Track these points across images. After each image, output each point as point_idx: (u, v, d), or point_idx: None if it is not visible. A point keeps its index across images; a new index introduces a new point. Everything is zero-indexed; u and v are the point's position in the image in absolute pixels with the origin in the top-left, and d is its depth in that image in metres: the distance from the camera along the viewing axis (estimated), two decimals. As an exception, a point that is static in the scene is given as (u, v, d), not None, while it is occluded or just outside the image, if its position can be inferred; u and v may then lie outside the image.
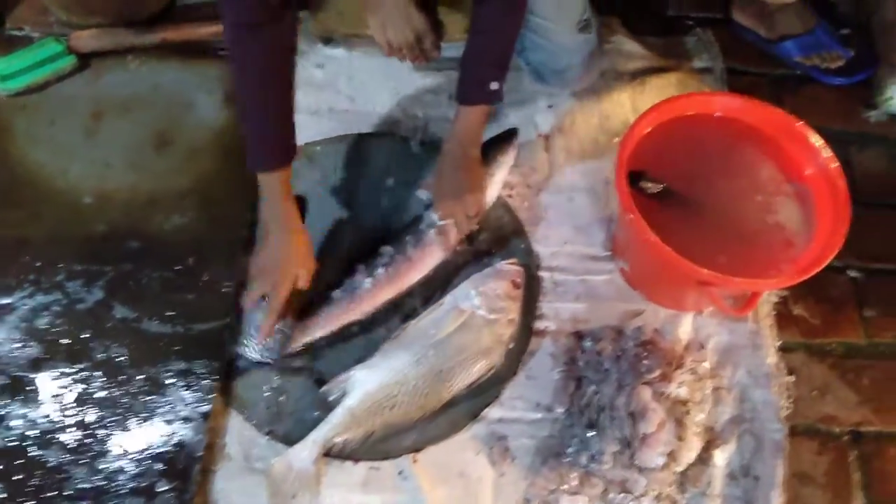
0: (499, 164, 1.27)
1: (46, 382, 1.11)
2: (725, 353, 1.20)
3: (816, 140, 1.11)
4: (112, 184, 1.28)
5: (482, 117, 1.19)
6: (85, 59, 1.38)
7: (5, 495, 1.03)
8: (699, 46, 1.53)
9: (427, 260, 1.21)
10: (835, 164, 1.08)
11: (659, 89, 1.45)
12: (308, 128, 1.35)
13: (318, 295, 1.17)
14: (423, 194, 1.28)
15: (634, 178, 1.10)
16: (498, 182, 1.27)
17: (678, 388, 1.12)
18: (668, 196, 1.11)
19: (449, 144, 1.21)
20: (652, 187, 1.11)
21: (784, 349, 1.22)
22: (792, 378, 1.19)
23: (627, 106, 1.43)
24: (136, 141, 1.32)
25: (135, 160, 1.30)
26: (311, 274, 1.13)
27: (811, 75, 1.50)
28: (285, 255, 1.10)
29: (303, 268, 1.11)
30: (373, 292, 1.17)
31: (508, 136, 1.31)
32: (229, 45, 1.05)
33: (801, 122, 1.12)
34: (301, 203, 1.19)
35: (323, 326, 1.16)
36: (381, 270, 1.18)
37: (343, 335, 1.18)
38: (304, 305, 1.16)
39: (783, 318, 1.25)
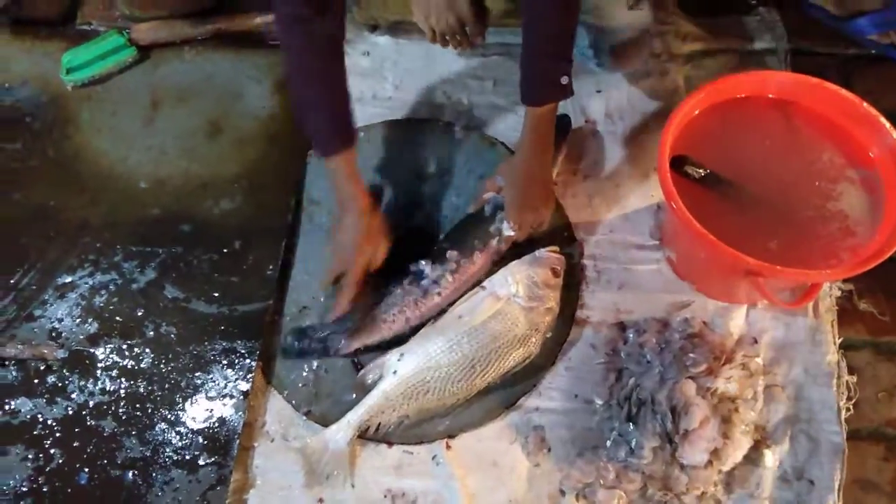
0: (554, 162, 1.23)
1: (102, 357, 1.17)
2: (781, 349, 1.13)
3: (883, 121, 1.02)
4: (166, 170, 1.33)
5: (552, 116, 1.12)
6: (145, 51, 1.45)
7: (62, 460, 1.09)
8: (761, 27, 1.44)
9: (487, 265, 1.19)
10: (905, 148, 1.00)
11: (716, 73, 1.38)
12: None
13: (376, 294, 1.17)
14: (489, 194, 1.21)
15: (679, 163, 1.05)
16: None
17: (726, 383, 1.06)
18: (717, 182, 1.06)
19: (523, 151, 1.15)
20: (697, 172, 1.06)
21: (847, 347, 1.14)
22: (854, 378, 1.11)
23: (682, 90, 1.37)
24: (189, 129, 1.37)
25: (188, 147, 1.35)
26: (385, 252, 1.15)
27: (887, 54, 1.39)
28: (358, 235, 1.12)
29: (376, 246, 1.14)
30: (438, 299, 1.16)
31: (562, 128, 1.25)
32: (281, 37, 1.08)
33: (866, 104, 1.04)
34: (377, 190, 1.21)
35: (388, 329, 1.15)
36: (448, 277, 1.16)
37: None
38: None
39: (847, 313, 1.17)
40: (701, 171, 1.05)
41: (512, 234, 1.17)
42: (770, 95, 1.09)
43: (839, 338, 1.14)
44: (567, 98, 1.09)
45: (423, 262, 1.17)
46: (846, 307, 1.17)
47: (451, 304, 1.16)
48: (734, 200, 1.05)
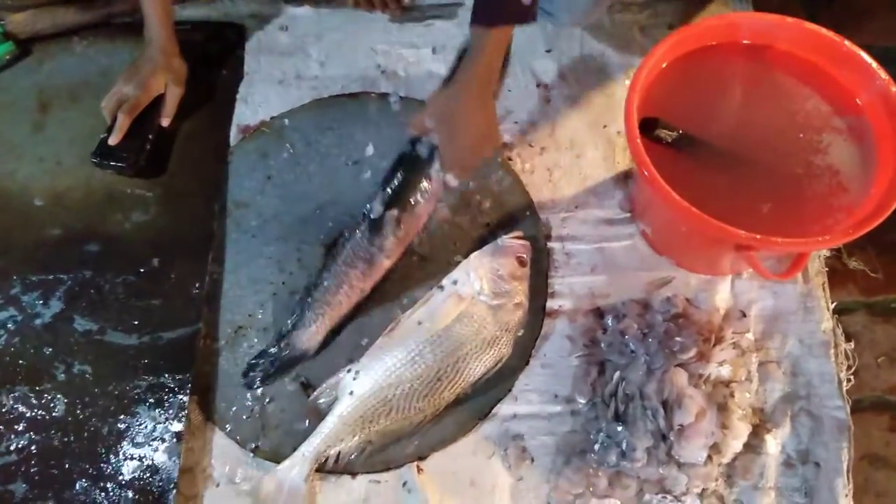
0: (495, 96, 1.03)
1: (5, 409, 1.00)
2: (772, 321, 1.04)
3: (870, 62, 0.92)
4: (64, 182, 1.15)
5: (503, 43, 0.94)
6: (26, 45, 1.24)
7: (-32, 539, 0.93)
8: (719, -34, 1.32)
9: (431, 211, 1.06)
10: (895, 88, 0.89)
11: (676, 20, 1.26)
12: (273, 100, 1.20)
13: (313, 284, 1.04)
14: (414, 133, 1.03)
15: (648, 126, 0.93)
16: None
17: (719, 367, 0.96)
18: (691, 144, 0.94)
19: (461, 82, 0.95)
20: (669, 135, 0.93)
21: (841, 311, 1.05)
22: (851, 345, 1.03)
23: (639, 41, 1.24)
24: (87, 132, 1.17)
25: (88, 154, 1.16)
26: (180, 77, 1.15)
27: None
28: (153, 65, 1.12)
29: (166, 71, 1.13)
30: (387, 263, 1.04)
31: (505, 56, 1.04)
32: None
33: (848, 42, 0.93)
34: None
35: (348, 305, 1.04)
36: (391, 238, 1.02)
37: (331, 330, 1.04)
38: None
39: (837, 274, 1.08)
40: (673, 133, 0.92)
41: (455, 184, 1.02)
42: (744, 41, 0.97)
43: (832, 302, 1.05)
44: (528, 23, 0.90)
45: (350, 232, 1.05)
46: (836, 267, 1.09)
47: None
48: (712, 163, 0.93)
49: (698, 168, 0.92)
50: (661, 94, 0.94)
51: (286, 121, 1.17)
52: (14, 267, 1.09)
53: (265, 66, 1.23)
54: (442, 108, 0.98)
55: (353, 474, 0.97)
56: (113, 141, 1.11)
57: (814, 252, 1.06)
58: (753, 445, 0.96)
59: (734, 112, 0.95)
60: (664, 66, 0.95)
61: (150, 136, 1.14)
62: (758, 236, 0.81)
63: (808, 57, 0.96)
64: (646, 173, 0.85)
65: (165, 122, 1.15)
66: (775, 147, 0.93)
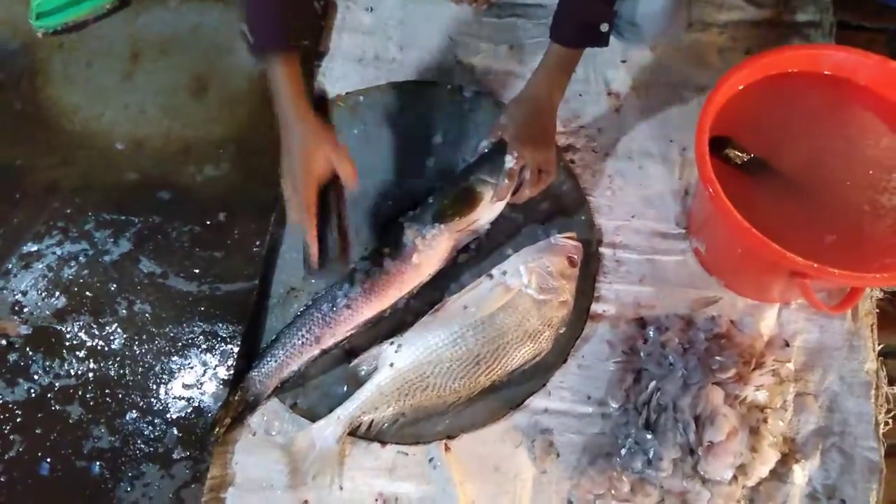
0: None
1: (69, 335, 1.06)
2: (814, 354, 1.03)
3: (952, 106, 0.91)
4: (145, 130, 1.21)
5: (576, 60, 1.03)
6: (125, -2, 1.31)
7: (23, 448, 1.00)
8: (806, -4, 1.31)
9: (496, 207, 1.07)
10: (974, 137, 0.89)
11: (752, 44, 1.26)
12: (351, 76, 1.24)
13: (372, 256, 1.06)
14: (489, 139, 1.08)
15: (719, 144, 0.93)
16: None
17: (756, 391, 0.96)
18: (759, 168, 0.94)
19: (534, 86, 1.05)
20: (739, 156, 0.94)
21: (886, 354, 1.04)
22: (894, 389, 1.02)
23: (715, 62, 1.25)
24: (172, 86, 1.24)
25: (170, 106, 1.23)
26: (345, 160, 0.97)
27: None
28: (301, 149, 0.96)
29: (324, 160, 0.97)
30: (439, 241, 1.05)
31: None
32: None
33: (934, 85, 0.93)
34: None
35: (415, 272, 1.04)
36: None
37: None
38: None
39: (888, 317, 1.07)
40: (743, 155, 0.93)
41: (512, 164, 1.03)
42: (825, 72, 0.97)
43: (879, 344, 1.04)
44: (600, 46, 1.00)
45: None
46: (887, 310, 1.07)
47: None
48: (778, 189, 0.93)
49: (763, 192, 0.92)
50: (734, 114, 0.94)
51: (361, 98, 1.21)
52: (90, 204, 1.15)
53: (347, 44, 1.27)
54: (514, 107, 1.06)
55: (383, 443, 1.00)
56: (315, 265, 1.02)
57: (867, 291, 1.05)
58: (780, 473, 0.96)
59: (806, 141, 0.95)
60: (741, 87, 0.96)
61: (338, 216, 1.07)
62: (815, 265, 0.81)
63: (887, 95, 0.95)
64: (710, 189, 0.86)
65: (352, 187, 1.00)
66: (844, 181, 0.92)
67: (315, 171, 0.96)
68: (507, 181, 1.03)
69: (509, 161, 1.03)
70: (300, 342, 1.01)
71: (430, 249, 1.03)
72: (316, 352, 1.02)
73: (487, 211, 1.06)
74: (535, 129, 1.05)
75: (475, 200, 1.05)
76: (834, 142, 0.95)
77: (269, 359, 1.01)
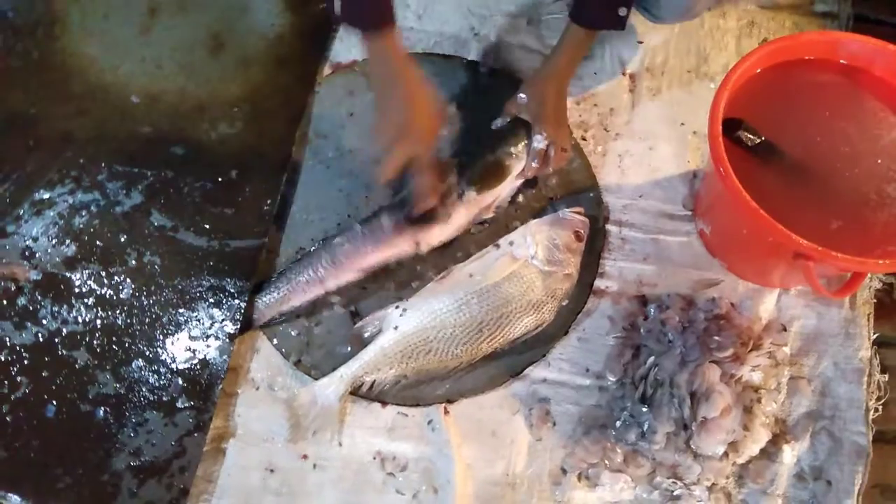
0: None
1: (78, 282, 1.07)
2: (811, 340, 1.06)
3: (965, 101, 0.92)
4: (161, 85, 1.21)
5: (592, 42, 1.09)
6: (145, -50, 1.30)
7: (29, 389, 1.01)
8: (824, -14, 1.32)
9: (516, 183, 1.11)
10: (984, 133, 0.90)
11: (770, 32, 1.26)
12: (369, 43, 1.24)
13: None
14: (506, 117, 1.12)
15: (731, 126, 0.94)
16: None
17: (751, 371, 0.98)
18: (770, 152, 0.95)
19: (553, 66, 1.08)
20: (751, 139, 0.95)
21: (881, 343, 1.06)
22: (886, 377, 1.04)
23: (731, 48, 1.26)
24: (189, 42, 1.24)
25: (186, 63, 1.23)
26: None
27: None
28: (417, 111, 0.95)
29: (437, 124, 0.99)
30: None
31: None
32: None
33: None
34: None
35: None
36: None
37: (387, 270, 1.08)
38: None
39: (885, 307, 1.09)
40: (755, 138, 0.94)
41: (543, 145, 1.07)
42: (841, 61, 0.97)
43: (874, 333, 1.06)
44: (617, 30, 1.03)
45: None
46: (884, 301, 1.09)
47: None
48: (786, 174, 0.95)
49: (772, 176, 0.94)
50: (748, 98, 0.95)
51: (377, 64, 1.21)
52: (104, 155, 1.16)
53: (365, 9, 1.27)
54: (537, 85, 1.09)
55: (384, 403, 1.02)
56: (425, 206, 1.03)
57: (866, 281, 1.07)
58: (770, 453, 0.99)
59: (817, 128, 0.96)
60: (758, 71, 0.96)
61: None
62: (819, 247, 0.83)
63: (902, 87, 0.96)
64: (721, 168, 0.87)
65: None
66: (852, 168, 0.94)
67: (432, 139, 0.99)
68: (535, 161, 1.08)
69: (539, 141, 1.07)
70: (305, 279, 1.04)
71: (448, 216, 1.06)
72: (320, 292, 1.05)
73: (510, 186, 1.09)
74: (558, 108, 1.09)
75: (503, 174, 1.08)
76: (845, 130, 0.96)
77: (272, 290, 1.05)
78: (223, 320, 1.05)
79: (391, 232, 1.05)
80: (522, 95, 1.09)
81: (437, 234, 1.07)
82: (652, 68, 1.24)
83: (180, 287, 1.07)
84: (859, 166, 0.94)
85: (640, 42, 1.26)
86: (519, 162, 1.09)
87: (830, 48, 0.97)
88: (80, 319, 1.05)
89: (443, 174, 1.05)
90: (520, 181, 1.11)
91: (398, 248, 1.06)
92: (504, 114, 1.12)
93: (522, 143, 1.09)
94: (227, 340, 1.04)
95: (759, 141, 0.94)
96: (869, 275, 1.08)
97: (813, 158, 0.94)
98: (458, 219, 1.07)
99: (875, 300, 1.08)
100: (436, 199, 1.03)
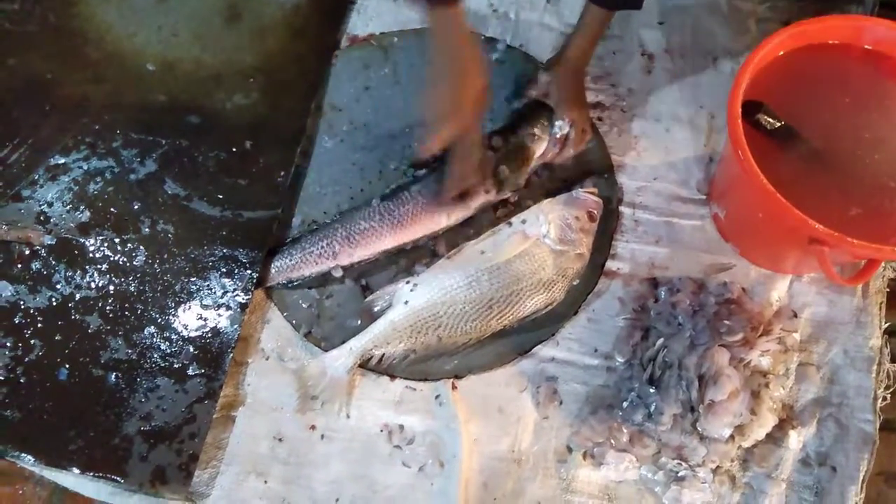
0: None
1: (92, 248, 1.08)
2: (821, 327, 1.05)
3: None
4: (177, 53, 1.21)
5: (609, 22, 1.07)
6: (164, -83, 1.29)
7: (42, 352, 1.02)
8: (850, -29, 1.29)
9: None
10: None
11: (793, 16, 1.24)
12: (385, 17, 1.23)
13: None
14: (525, 98, 1.13)
15: (751, 109, 0.93)
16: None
17: (760, 356, 0.98)
18: (789, 136, 0.94)
19: (574, 48, 1.08)
20: (770, 123, 0.94)
21: (892, 332, 1.06)
22: (895, 366, 1.04)
23: (753, 31, 1.24)
24: (205, 11, 1.24)
25: (202, 32, 1.22)
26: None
27: None
28: (472, 88, 0.94)
29: (485, 105, 0.97)
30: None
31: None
32: None
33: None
34: None
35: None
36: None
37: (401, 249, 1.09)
38: None
39: (896, 297, 1.08)
40: (775, 122, 0.93)
41: (566, 129, 1.08)
42: (865, 46, 0.96)
43: (886, 322, 1.06)
44: (636, 9, 1.02)
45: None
46: (897, 290, 1.09)
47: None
48: (804, 159, 0.94)
49: (790, 160, 0.93)
50: (770, 81, 0.94)
51: (395, 39, 1.20)
52: (119, 123, 1.16)
53: (382, -19, 1.26)
54: (561, 66, 1.09)
55: (392, 377, 1.03)
56: (463, 186, 1.04)
57: (879, 270, 1.06)
58: (776, 437, 0.99)
59: (838, 113, 0.95)
60: (780, 54, 0.95)
61: None
62: (834, 233, 0.82)
63: (927, 75, 0.95)
64: (739, 151, 0.87)
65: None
66: (873, 155, 0.92)
67: (480, 120, 0.99)
68: (556, 145, 1.08)
69: (563, 127, 1.08)
70: (318, 251, 1.05)
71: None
72: (331, 264, 1.06)
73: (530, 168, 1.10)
74: (578, 91, 1.10)
75: (528, 156, 1.08)
76: (868, 116, 0.95)
77: (285, 256, 1.06)
78: (235, 290, 1.06)
79: (412, 215, 1.05)
80: (543, 78, 1.09)
81: (460, 215, 1.07)
82: (672, 50, 1.23)
83: (193, 256, 1.08)
84: (880, 153, 0.93)
85: (661, 23, 1.25)
86: (541, 144, 1.08)
87: (855, 33, 0.96)
88: (93, 285, 1.06)
89: (484, 158, 1.05)
90: (539, 163, 1.10)
91: (416, 233, 1.06)
92: (524, 95, 1.12)
93: (545, 126, 1.09)
94: (239, 310, 1.04)
95: (778, 125, 0.93)
96: (883, 264, 1.07)
97: (833, 144, 0.93)
98: (482, 200, 1.07)
99: (888, 289, 1.08)
100: (477, 180, 1.04)
